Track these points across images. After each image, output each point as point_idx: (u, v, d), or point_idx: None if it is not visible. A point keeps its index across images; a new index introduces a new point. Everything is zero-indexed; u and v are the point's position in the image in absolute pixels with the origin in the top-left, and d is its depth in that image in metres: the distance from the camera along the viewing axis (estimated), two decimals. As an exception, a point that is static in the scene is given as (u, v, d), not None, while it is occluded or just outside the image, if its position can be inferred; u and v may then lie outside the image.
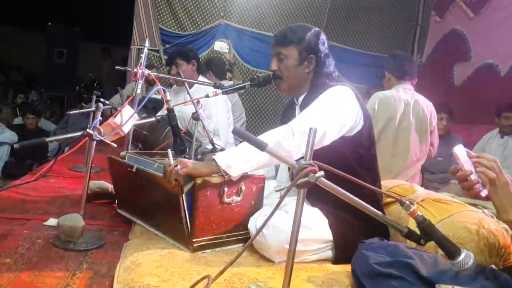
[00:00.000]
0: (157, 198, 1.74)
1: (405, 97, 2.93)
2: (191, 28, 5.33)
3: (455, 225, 1.65)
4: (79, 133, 1.62)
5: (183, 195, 1.56)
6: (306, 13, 5.66)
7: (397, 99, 2.90)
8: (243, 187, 1.69)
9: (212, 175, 1.61)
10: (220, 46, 4.16)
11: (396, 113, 2.89)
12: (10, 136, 5.22)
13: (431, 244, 1.20)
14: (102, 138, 1.58)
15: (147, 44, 2.19)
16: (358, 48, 6.03)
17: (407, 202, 1.15)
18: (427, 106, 2.99)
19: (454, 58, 5.31)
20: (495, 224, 1.67)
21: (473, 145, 4.05)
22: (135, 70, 2.10)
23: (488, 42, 4.86)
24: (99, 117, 1.62)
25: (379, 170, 1.92)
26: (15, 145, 1.64)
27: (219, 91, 1.93)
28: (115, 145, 1.64)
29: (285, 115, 2.02)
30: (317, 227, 1.64)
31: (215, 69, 4.17)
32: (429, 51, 5.85)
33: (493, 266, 1.35)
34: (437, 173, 3.94)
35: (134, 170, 1.77)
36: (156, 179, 1.66)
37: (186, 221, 1.59)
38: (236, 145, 1.95)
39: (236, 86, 1.98)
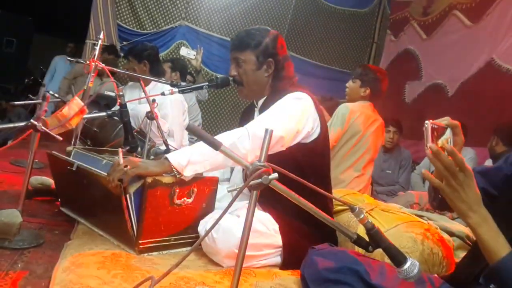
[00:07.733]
0: (99, 198, 1.66)
1: (373, 115, 3.01)
2: (151, 27, 5.20)
3: (402, 235, 1.69)
4: (22, 124, 1.52)
5: (129, 195, 1.50)
6: (267, 22, 5.69)
7: (367, 116, 2.97)
8: (195, 189, 1.65)
9: (164, 174, 1.56)
10: (187, 52, 4.04)
11: (363, 129, 2.95)
12: None
13: (378, 252, 1.21)
14: (47, 130, 1.48)
15: (101, 36, 2.11)
16: (316, 61, 6.13)
17: (358, 208, 1.15)
18: (382, 124, 3.09)
19: (406, 76, 5.54)
20: (439, 235, 1.73)
21: (421, 160, 4.21)
22: (87, 62, 2.01)
23: (439, 63, 5.11)
24: (45, 108, 1.52)
25: (331, 179, 1.94)
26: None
27: (176, 89, 1.89)
28: (60, 138, 1.54)
29: (244, 118, 2.00)
30: (267, 232, 1.62)
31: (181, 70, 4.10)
32: (383, 68, 6.07)
33: (436, 276, 1.38)
34: (386, 186, 4.06)
35: (74, 168, 1.68)
36: (97, 178, 1.59)
37: (131, 223, 1.52)
38: (191, 146, 1.92)
39: (193, 86, 1.95)
